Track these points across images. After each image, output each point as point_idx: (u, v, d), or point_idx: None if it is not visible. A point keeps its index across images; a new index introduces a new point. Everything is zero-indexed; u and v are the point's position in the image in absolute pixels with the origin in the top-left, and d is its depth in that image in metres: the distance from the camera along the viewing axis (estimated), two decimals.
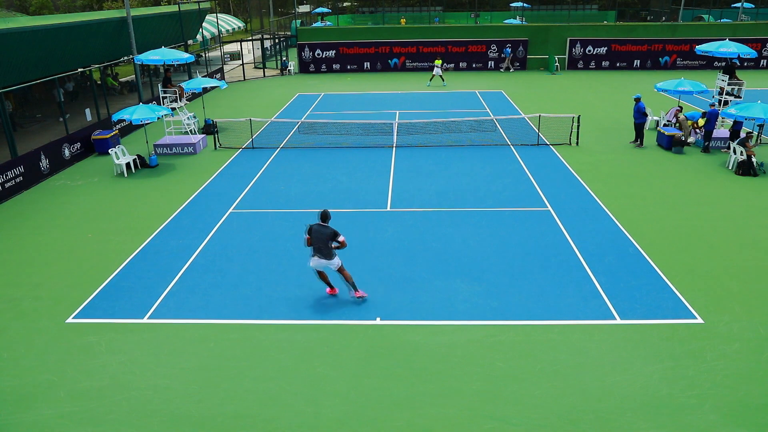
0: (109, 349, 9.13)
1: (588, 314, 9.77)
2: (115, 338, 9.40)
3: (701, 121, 20.37)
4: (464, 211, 14.48)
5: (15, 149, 17.48)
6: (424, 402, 7.82)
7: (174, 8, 35.73)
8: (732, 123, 19.51)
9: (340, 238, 9.74)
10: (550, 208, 14.56)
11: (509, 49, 38.46)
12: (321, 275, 10.46)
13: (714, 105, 19.60)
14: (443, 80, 33.67)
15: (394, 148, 20.38)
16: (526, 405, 7.73)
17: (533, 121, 22.86)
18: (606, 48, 38.45)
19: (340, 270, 10.08)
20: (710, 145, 19.42)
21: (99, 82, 24.66)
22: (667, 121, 21.37)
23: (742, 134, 19.59)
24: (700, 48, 21.06)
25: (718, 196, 15.28)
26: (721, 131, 20.20)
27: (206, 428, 7.44)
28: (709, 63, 37.52)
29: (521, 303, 10.18)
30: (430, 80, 34.04)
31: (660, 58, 38.36)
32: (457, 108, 27.01)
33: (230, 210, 14.90)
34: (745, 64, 36.71)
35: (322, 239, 9.76)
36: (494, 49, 38.97)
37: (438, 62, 33.38)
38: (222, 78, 36.29)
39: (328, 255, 9.87)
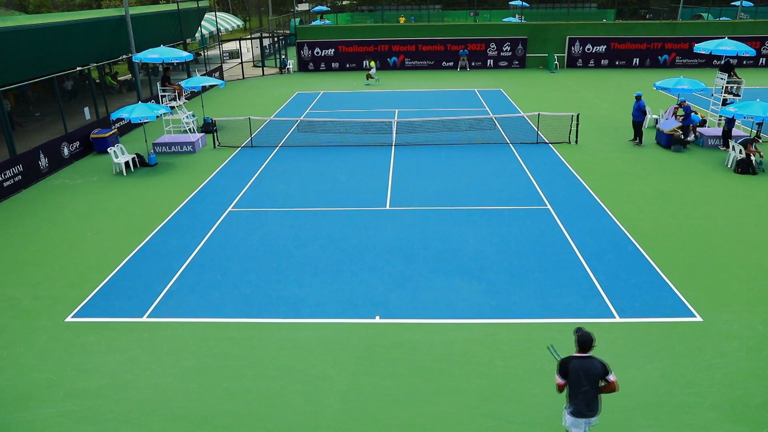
0: (109, 348, 9.14)
1: (587, 312, 9.78)
2: (115, 337, 9.41)
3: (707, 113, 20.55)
4: (463, 209, 14.48)
5: (14, 148, 17.46)
6: (423, 401, 7.83)
7: (173, 7, 35.68)
8: (725, 122, 19.54)
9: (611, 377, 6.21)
10: (549, 206, 14.57)
11: (466, 50, 38.59)
12: None
13: (686, 102, 19.97)
14: (370, 78, 33.99)
15: (393, 147, 20.37)
16: (525, 404, 7.74)
17: (532, 119, 22.85)
18: (605, 46, 38.43)
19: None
20: (688, 140, 19.77)
21: (98, 81, 24.62)
22: (666, 119, 21.37)
23: (736, 131, 19.59)
24: (699, 46, 21.07)
25: (718, 194, 15.28)
26: (714, 129, 20.29)
27: (206, 427, 7.44)
28: (708, 61, 37.49)
29: (520, 301, 10.18)
30: (369, 79, 34.12)
31: (659, 57, 38.33)
32: (456, 106, 26.99)
33: (229, 208, 14.90)
34: (744, 62, 36.72)
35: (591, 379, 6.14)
36: (493, 48, 38.94)
37: (371, 63, 34.31)
38: (221, 77, 36.25)
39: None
